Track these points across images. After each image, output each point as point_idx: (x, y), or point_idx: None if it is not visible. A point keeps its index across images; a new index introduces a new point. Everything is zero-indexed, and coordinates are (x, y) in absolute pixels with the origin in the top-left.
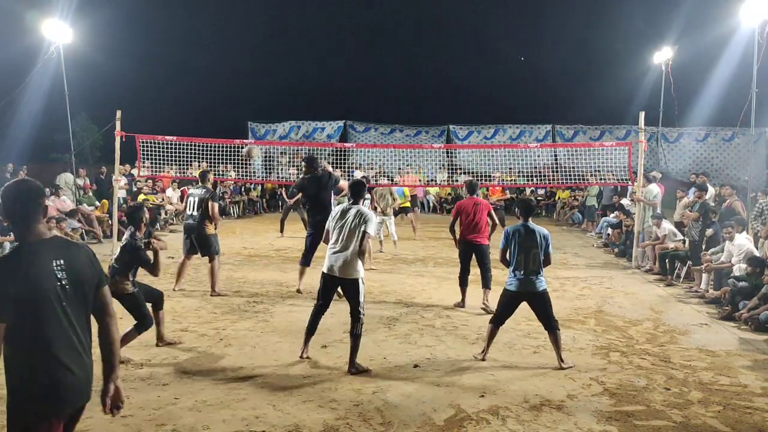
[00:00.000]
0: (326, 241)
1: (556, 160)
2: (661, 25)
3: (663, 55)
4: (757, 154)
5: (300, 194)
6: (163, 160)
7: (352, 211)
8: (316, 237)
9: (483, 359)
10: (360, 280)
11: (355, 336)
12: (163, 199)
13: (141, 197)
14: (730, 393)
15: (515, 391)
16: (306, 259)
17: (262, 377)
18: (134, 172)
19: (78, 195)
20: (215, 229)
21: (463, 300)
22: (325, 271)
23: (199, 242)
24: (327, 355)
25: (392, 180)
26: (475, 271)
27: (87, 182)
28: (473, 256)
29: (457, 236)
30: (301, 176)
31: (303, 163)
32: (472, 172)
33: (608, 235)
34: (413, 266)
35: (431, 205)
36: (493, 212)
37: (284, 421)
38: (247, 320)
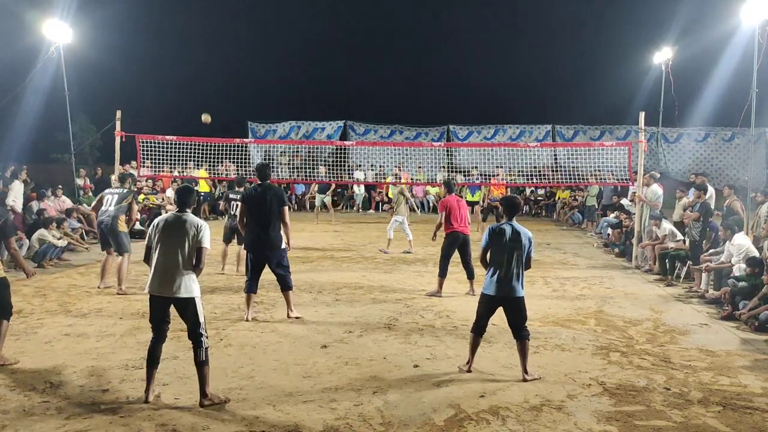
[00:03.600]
0: (147, 260)
1: (556, 160)
2: (661, 25)
3: (663, 55)
4: (757, 154)
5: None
6: (163, 159)
7: (181, 221)
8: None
9: (469, 371)
10: (196, 299)
11: (200, 363)
12: (163, 199)
13: (141, 197)
14: (730, 393)
15: (515, 391)
16: (251, 286)
17: (262, 377)
18: (134, 172)
19: (78, 195)
20: (128, 228)
21: (440, 289)
22: (154, 293)
23: (111, 237)
24: (327, 355)
25: (397, 177)
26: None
27: (87, 182)
28: (458, 247)
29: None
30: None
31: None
32: (473, 173)
33: (608, 235)
34: (413, 266)
35: (431, 205)
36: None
37: (284, 421)
38: (247, 320)
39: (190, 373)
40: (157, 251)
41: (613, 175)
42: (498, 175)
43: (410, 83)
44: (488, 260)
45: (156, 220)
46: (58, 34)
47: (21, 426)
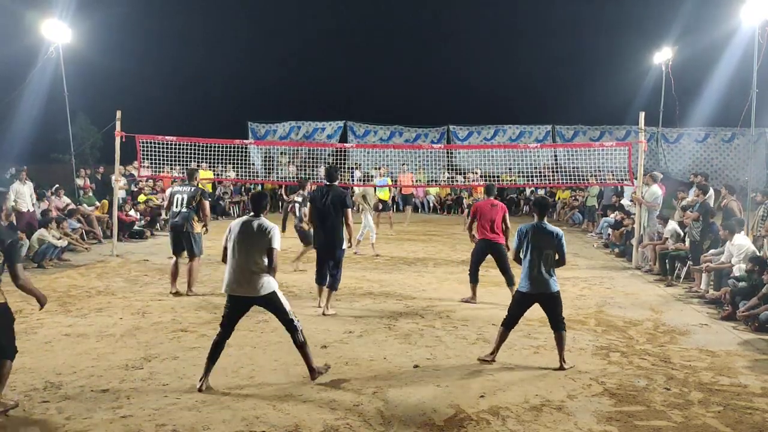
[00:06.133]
0: (224, 260)
1: (556, 160)
2: (661, 25)
3: (663, 55)
4: (757, 155)
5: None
6: (164, 160)
7: (254, 225)
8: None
9: (492, 361)
10: (275, 293)
11: (301, 345)
12: (163, 199)
13: (142, 197)
14: (730, 393)
15: (515, 391)
16: (319, 278)
17: (262, 377)
18: (134, 172)
19: (78, 195)
20: (204, 228)
21: (474, 296)
22: (229, 292)
23: (186, 239)
24: (327, 355)
25: (395, 180)
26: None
27: (87, 182)
28: (488, 254)
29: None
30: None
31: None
32: (472, 173)
33: (608, 235)
34: (413, 266)
35: (431, 205)
36: (506, 215)
37: (284, 421)
38: (247, 320)
39: (190, 373)
40: (233, 253)
41: (613, 175)
42: (476, 173)
43: (410, 83)
44: (521, 258)
45: (232, 223)
46: (58, 34)
47: (21, 426)
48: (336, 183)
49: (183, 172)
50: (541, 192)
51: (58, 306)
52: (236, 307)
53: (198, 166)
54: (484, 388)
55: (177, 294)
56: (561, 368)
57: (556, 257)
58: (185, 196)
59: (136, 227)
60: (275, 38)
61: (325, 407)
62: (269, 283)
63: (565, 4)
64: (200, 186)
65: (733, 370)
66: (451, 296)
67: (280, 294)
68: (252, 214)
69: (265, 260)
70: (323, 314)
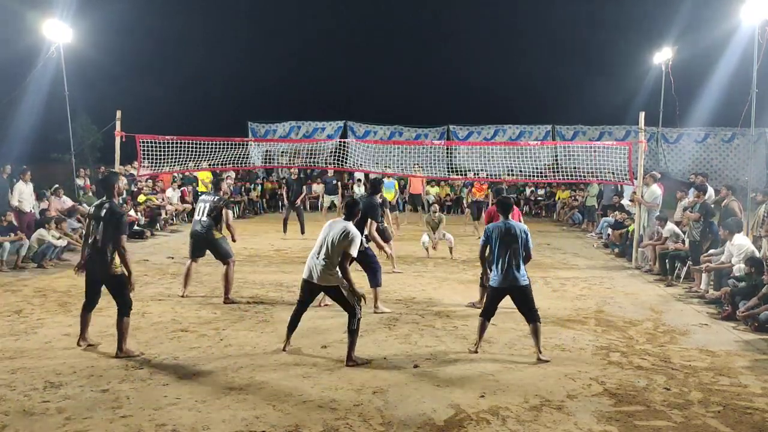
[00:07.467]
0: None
1: (556, 160)
2: (661, 25)
3: (663, 55)
4: (757, 155)
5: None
6: (163, 159)
7: (340, 227)
8: None
9: (476, 351)
10: (340, 287)
11: (351, 331)
12: (163, 199)
13: (142, 197)
14: (730, 393)
15: (515, 391)
16: None
17: (262, 377)
18: (134, 172)
19: (78, 195)
20: (232, 237)
21: (481, 300)
22: (305, 277)
23: (209, 247)
24: (327, 355)
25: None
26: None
27: (87, 182)
28: None
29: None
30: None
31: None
32: (474, 173)
33: (608, 235)
34: (413, 266)
35: (430, 205)
36: (521, 218)
37: (284, 421)
38: (247, 320)
39: (189, 374)
40: (317, 246)
41: (613, 175)
42: (479, 176)
43: (410, 83)
44: (488, 257)
45: (328, 222)
46: (58, 34)
47: (21, 426)
48: (376, 196)
49: (182, 172)
50: (541, 192)
51: (58, 306)
52: (307, 290)
53: (197, 165)
54: (484, 388)
55: (188, 296)
56: (538, 360)
57: (523, 253)
58: (207, 205)
59: (136, 227)
60: (275, 38)
61: (325, 407)
62: (336, 278)
63: (565, 4)
64: (225, 196)
65: (733, 370)
66: (451, 296)
67: (342, 288)
68: (344, 217)
69: (339, 259)
70: (374, 312)
